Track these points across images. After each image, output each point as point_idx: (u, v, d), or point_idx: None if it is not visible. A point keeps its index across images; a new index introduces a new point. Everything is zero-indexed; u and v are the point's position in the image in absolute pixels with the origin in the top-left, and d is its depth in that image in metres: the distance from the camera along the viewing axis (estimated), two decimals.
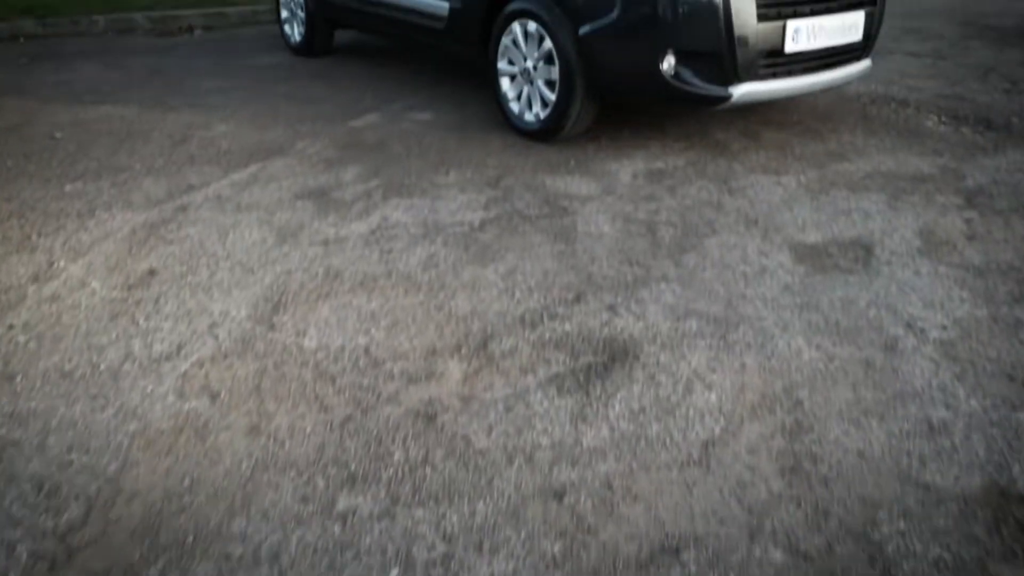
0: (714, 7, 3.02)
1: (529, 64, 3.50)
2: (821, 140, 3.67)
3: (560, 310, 2.29)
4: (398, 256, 2.60)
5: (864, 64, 3.67)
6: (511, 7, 3.48)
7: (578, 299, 2.34)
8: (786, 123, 3.89)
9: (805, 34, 3.24)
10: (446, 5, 3.86)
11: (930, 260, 2.56)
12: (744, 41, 3.08)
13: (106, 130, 3.87)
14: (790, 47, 3.21)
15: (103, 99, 4.41)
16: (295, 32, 5.37)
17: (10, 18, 6.19)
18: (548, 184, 3.15)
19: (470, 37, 3.81)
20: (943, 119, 4.04)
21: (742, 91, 3.19)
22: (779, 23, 3.15)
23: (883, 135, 3.75)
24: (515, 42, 3.54)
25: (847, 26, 3.41)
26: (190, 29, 6.48)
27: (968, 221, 2.86)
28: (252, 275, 2.50)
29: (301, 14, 5.20)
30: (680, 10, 3.02)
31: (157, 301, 2.36)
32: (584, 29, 3.19)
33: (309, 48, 5.28)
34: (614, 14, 3.10)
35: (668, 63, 3.13)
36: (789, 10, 3.17)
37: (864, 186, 3.14)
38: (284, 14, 5.45)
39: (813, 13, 3.25)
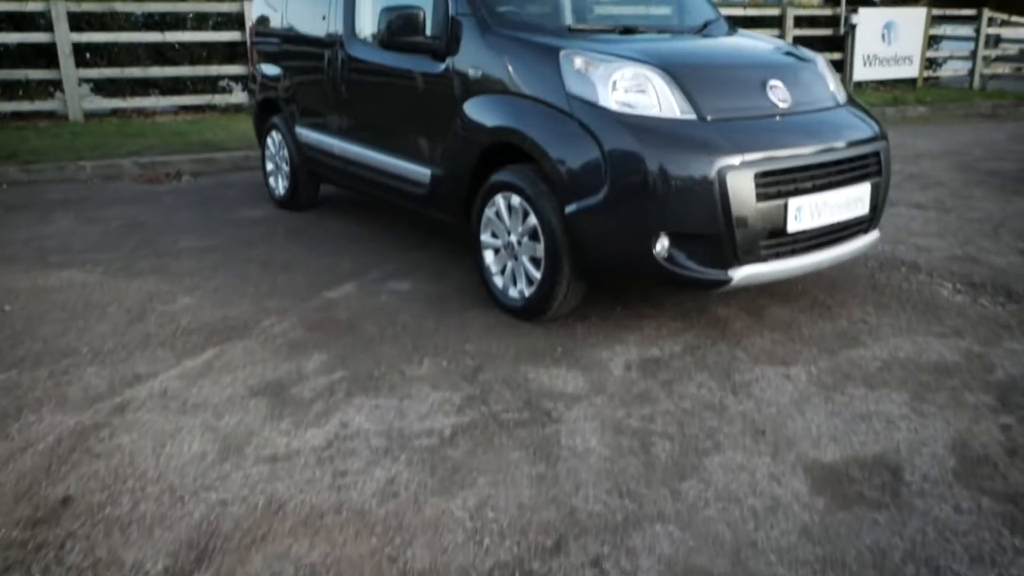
0: (710, 187, 2.81)
1: (513, 239, 3.28)
2: (830, 317, 3.40)
3: (535, 565, 1.92)
4: (353, 481, 2.26)
5: (872, 236, 3.45)
6: (494, 178, 3.29)
7: (557, 548, 1.98)
8: (791, 295, 3.63)
9: (808, 212, 3.02)
10: (428, 172, 3.69)
11: (969, 489, 2.21)
12: (743, 222, 2.86)
13: (62, 302, 3.62)
14: (793, 226, 2.99)
15: (69, 261, 4.20)
16: (279, 185, 5.24)
17: None
18: (531, 379, 2.85)
19: (453, 206, 3.62)
20: (958, 287, 3.79)
21: (743, 274, 2.94)
22: (780, 202, 2.94)
23: (897, 310, 3.48)
24: (499, 214, 3.33)
25: (853, 200, 3.20)
26: (178, 175, 6.40)
27: (1005, 429, 2.52)
28: (182, 506, 2.16)
29: (286, 168, 5.09)
30: (673, 191, 2.81)
31: (62, 547, 2.00)
32: (571, 207, 2.98)
33: (293, 202, 5.14)
34: (602, 193, 2.89)
35: (661, 245, 2.90)
36: (790, 188, 2.97)
37: (883, 380, 2.83)
38: (269, 167, 5.35)
39: (816, 189, 3.05)
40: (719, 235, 2.86)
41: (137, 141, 7.14)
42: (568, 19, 3.68)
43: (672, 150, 2.82)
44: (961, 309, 3.51)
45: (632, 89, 2.95)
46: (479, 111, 3.31)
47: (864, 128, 3.37)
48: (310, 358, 3.04)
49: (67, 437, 2.50)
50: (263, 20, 5.25)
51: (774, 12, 11.16)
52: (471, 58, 3.35)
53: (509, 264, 3.35)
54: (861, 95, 11.13)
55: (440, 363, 2.98)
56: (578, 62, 3.00)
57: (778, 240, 3.00)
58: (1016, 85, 13.09)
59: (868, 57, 11.45)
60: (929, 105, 10.45)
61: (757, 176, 2.87)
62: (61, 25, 7.51)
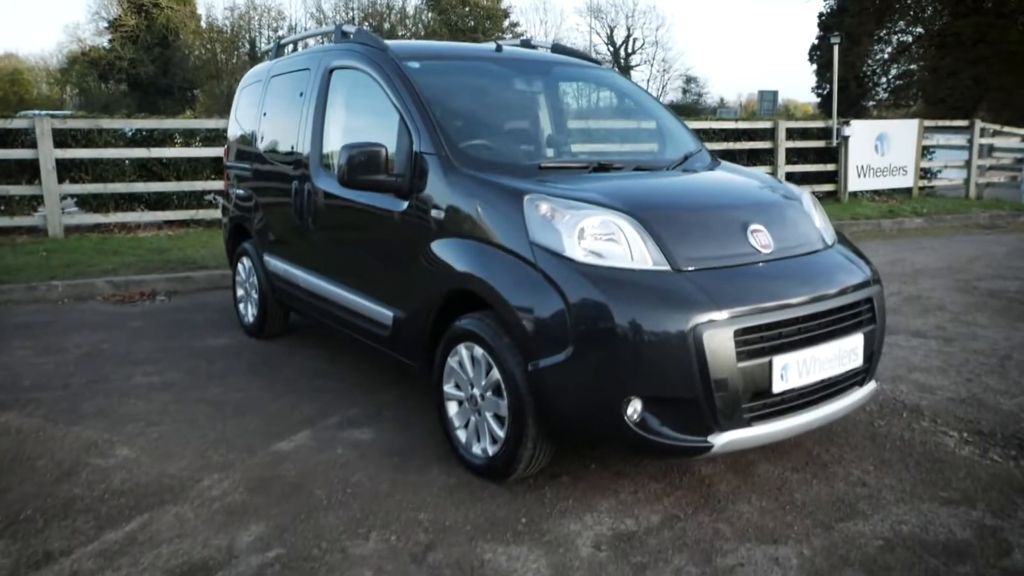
0: (684, 346, 2.57)
1: (476, 392, 3.03)
2: (825, 477, 3.10)
3: None
4: None
5: (868, 389, 3.19)
6: (457, 326, 3.07)
7: None
8: (783, 449, 3.35)
9: (796, 369, 2.78)
10: (390, 314, 3.48)
11: None
12: (723, 384, 2.61)
13: None
14: (779, 386, 2.74)
15: (11, 402, 3.95)
16: (248, 312, 5.05)
17: None
18: (487, 561, 2.53)
19: (415, 352, 3.39)
20: (966, 436, 3.50)
21: (724, 441, 2.67)
22: (764, 360, 2.70)
23: (899, 467, 3.18)
24: (461, 365, 3.10)
25: (845, 352, 2.96)
26: (152, 295, 6.24)
27: None
28: None
29: (255, 295, 4.91)
30: (644, 350, 2.58)
31: None
32: (535, 364, 2.74)
33: (261, 331, 4.93)
34: (567, 351, 2.66)
35: (633, 410, 2.64)
36: (775, 344, 2.74)
37: (885, 566, 2.50)
38: (239, 292, 5.18)
39: (804, 344, 2.82)
40: (696, 399, 2.61)
41: (114, 259, 7.02)
42: (541, 155, 3.54)
43: (643, 305, 2.60)
44: (970, 466, 3.21)
45: (601, 238, 2.77)
46: (442, 254, 3.12)
47: (856, 272, 3.16)
48: (246, 529, 2.73)
49: None
50: (236, 142, 5.19)
51: (766, 125, 11.30)
52: (434, 198, 3.20)
53: (473, 419, 3.09)
54: (857, 206, 11.12)
55: (389, 539, 2.67)
56: (543, 208, 2.83)
57: (763, 402, 2.74)
58: (1012, 193, 13.11)
59: (862, 168, 11.51)
60: (926, 217, 10.39)
61: (738, 333, 2.64)
62: (45, 142, 7.56)
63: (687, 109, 36.72)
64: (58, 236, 7.89)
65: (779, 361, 2.73)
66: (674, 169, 3.70)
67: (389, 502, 2.92)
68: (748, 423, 2.72)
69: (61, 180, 7.90)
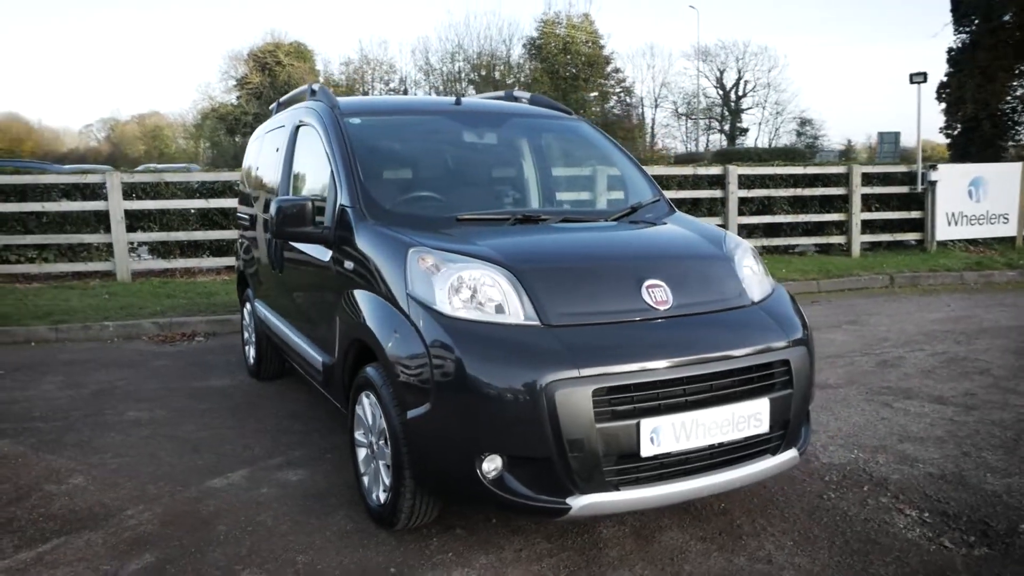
0: (537, 404, 2.57)
1: (373, 439, 3.12)
2: (731, 550, 2.95)
3: None
4: None
5: (783, 458, 3.02)
6: (361, 374, 3.18)
7: None
8: (707, 513, 3.22)
9: (671, 433, 2.69)
10: (320, 359, 3.64)
11: None
12: (578, 445, 2.58)
13: None
14: (650, 450, 2.66)
15: (11, 430, 4.41)
16: (250, 355, 5.38)
17: (26, 322, 6.68)
18: None
19: (340, 397, 3.52)
20: (925, 517, 3.23)
21: (583, 503, 2.62)
22: (631, 422, 2.64)
23: (821, 547, 2.98)
24: (364, 412, 3.20)
25: (742, 418, 2.84)
26: (192, 336, 6.73)
27: None
28: None
29: (252, 338, 5.22)
30: (496, 406, 2.60)
31: None
32: (404, 415, 2.81)
33: (259, 372, 5.23)
34: (427, 404, 2.71)
35: (493, 467, 2.64)
36: (644, 406, 2.67)
37: None
38: (245, 335, 5.52)
39: (683, 408, 2.73)
40: (551, 459, 2.59)
41: (166, 302, 7.64)
42: (466, 207, 3.59)
43: (497, 361, 2.63)
44: (906, 550, 2.96)
45: (475, 292, 2.81)
46: (350, 304, 3.27)
47: (769, 334, 3.03)
48: (138, 558, 2.93)
49: None
50: (240, 194, 5.63)
51: (839, 170, 10.83)
52: (349, 250, 3.36)
53: (373, 465, 3.17)
54: (942, 256, 10.41)
55: None
56: (425, 261, 2.92)
57: (632, 465, 2.67)
58: None
59: (953, 215, 10.77)
60: (1021, 270, 9.55)
61: (597, 392, 2.60)
62: (115, 195, 8.42)
63: (798, 153, 35.43)
64: (126, 280, 8.70)
65: (648, 424, 2.65)
66: (613, 221, 3.68)
67: (279, 542, 3.04)
68: (614, 487, 2.65)
69: (133, 229, 8.75)
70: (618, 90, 43.51)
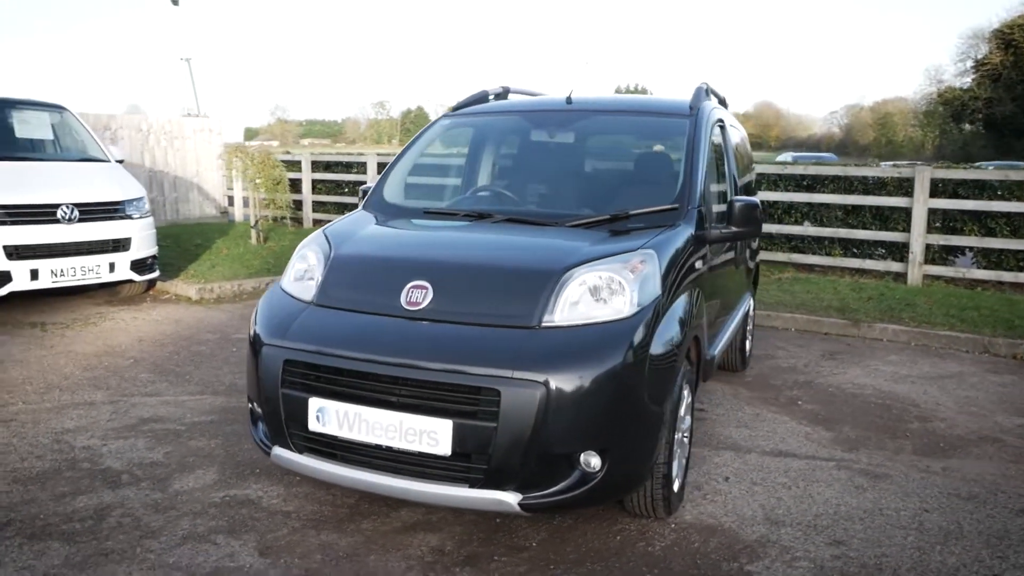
0: (256, 361, 3.14)
1: None
2: None
3: None
4: None
5: (487, 495, 2.74)
6: None
7: None
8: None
9: (335, 419, 2.90)
10: None
11: None
12: (269, 403, 3.08)
13: None
14: (315, 427, 2.95)
15: None
16: None
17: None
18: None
19: None
20: None
21: (276, 453, 3.12)
22: (302, 395, 2.98)
23: None
24: None
25: (412, 431, 2.78)
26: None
27: None
28: None
29: None
30: (251, 362, 3.22)
31: None
32: None
33: None
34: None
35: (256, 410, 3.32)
36: (312, 385, 2.97)
37: None
38: None
39: (348, 399, 2.89)
40: (255, 408, 3.17)
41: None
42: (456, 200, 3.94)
43: (261, 323, 3.25)
44: None
45: (300, 271, 3.40)
46: None
47: (505, 359, 2.74)
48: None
49: None
50: None
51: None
52: None
53: None
54: None
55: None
56: (304, 245, 3.62)
57: (304, 435, 2.99)
58: None
59: None
60: None
61: (287, 362, 3.03)
62: (922, 192, 8.42)
63: None
64: (916, 284, 8.64)
65: (315, 403, 2.94)
66: (571, 226, 3.49)
67: None
68: (297, 450, 3.04)
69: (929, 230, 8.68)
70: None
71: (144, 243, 7.60)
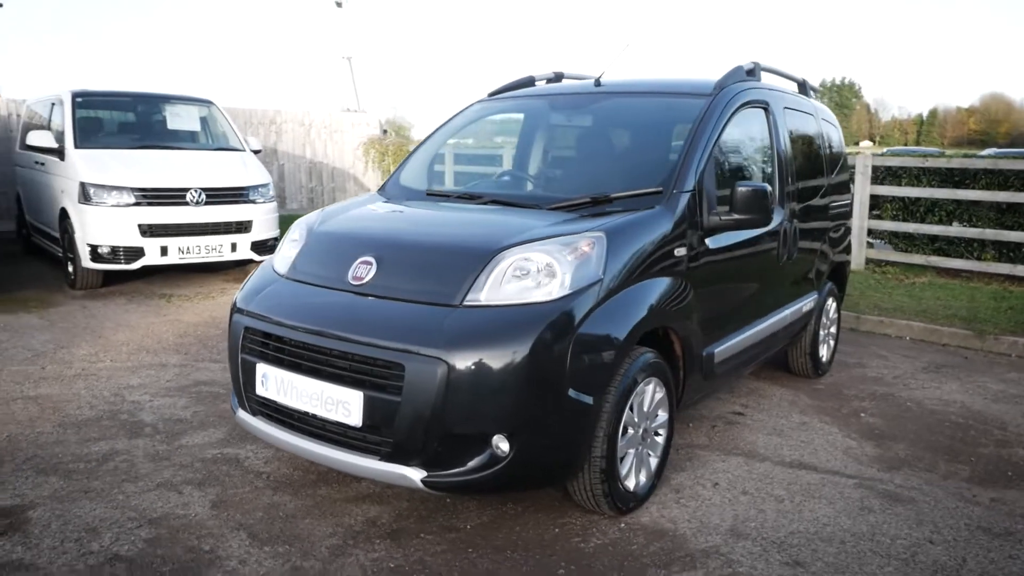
0: (230, 328, 3.38)
1: None
2: None
3: None
4: None
5: (391, 468, 2.77)
6: None
7: None
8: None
9: (274, 384, 3.07)
10: None
11: None
12: (235, 368, 3.29)
13: None
14: (260, 391, 3.13)
15: None
16: None
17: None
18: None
19: None
20: None
21: (239, 415, 3.33)
22: (252, 360, 3.17)
23: None
24: None
25: (331, 400, 2.87)
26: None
27: None
28: None
29: None
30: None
31: None
32: None
33: None
34: None
35: None
36: (260, 351, 3.15)
37: None
38: None
39: (283, 366, 3.04)
40: (232, 374, 3.39)
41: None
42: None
43: (244, 292, 3.47)
44: None
45: (288, 242, 3.63)
46: None
47: (412, 334, 2.77)
48: None
49: None
50: None
51: None
52: None
53: None
54: None
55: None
56: (298, 222, 3.82)
57: (255, 397, 3.17)
58: None
59: None
60: None
61: (247, 329, 3.22)
62: None
63: None
64: None
65: (261, 368, 3.11)
66: (552, 208, 3.41)
67: None
68: (252, 412, 3.23)
69: None
70: None
71: (266, 226, 8.27)
